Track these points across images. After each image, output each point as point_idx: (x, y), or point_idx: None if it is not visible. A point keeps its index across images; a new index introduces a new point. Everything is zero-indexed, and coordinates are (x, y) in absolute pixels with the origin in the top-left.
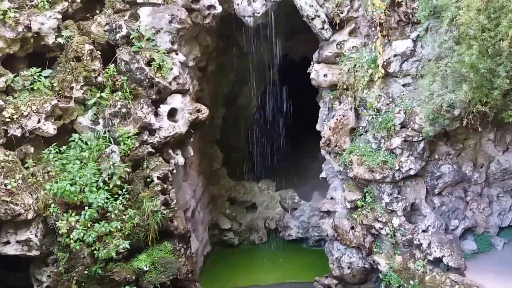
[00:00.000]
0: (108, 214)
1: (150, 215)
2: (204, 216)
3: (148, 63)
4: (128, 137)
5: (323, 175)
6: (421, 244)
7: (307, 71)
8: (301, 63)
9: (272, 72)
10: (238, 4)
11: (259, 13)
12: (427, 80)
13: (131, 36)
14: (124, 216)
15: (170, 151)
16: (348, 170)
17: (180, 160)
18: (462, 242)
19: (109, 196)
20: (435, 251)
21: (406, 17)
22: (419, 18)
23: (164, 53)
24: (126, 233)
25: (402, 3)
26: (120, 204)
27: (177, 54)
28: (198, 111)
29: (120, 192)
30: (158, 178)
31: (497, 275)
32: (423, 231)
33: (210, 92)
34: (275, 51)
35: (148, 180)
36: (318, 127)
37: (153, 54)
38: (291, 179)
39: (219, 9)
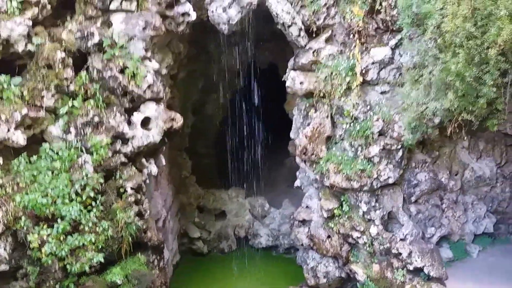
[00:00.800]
0: (81, 226)
1: (124, 227)
2: (174, 225)
3: (122, 71)
4: (101, 147)
5: (297, 183)
6: (400, 253)
7: (283, 79)
8: (268, 70)
9: (240, 79)
10: (212, 11)
11: (234, 20)
12: (408, 88)
13: (104, 44)
14: (97, 229)
15: (143, 160)
16: (324, 179)
17: (154, 169)
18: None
19: (82, 208)
20: (416, 261)
21: (384, 24)
22: (401, 26)
23: (138, 60)
24: (100, 245)
25: (381, 10)
26: (93, 216)
27: (150, 61)
28: (173, 119)
29: (93, 203)
30: (132, 188)
31: (474, 284)
32: (401, 239)
33: (180, 100)
34: (243, 58)
35: (121, 190)
36: (292, 135)
37: (126, 61)
38: (261, 186)
39: (193, 16)
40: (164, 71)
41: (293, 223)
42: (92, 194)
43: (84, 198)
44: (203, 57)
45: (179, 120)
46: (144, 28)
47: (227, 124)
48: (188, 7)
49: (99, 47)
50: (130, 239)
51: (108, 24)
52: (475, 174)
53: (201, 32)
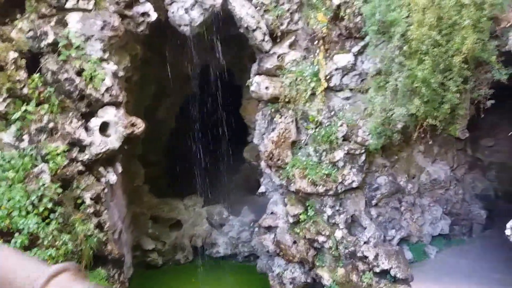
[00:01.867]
0: (40, 240)
1: (84, 240)
2: (128, 237)
3: (78, 73)
4: (57, 154)
5: (262, 189)
6: (366, 256)
7: (247, 84)
8: (223, 75)
9: (193, 84)
10: (173, 12)
11: (197, 22)
12: (373, 94)
13: (59, 44)
14: (57, 242)
15: (101, 168)
16: (290, 184)
17: (112, 178)
18: (390, 246)
19: (40, 221)
20: (382, 263)
21: (347, 31)
22: (367, 33)
23: (95, 62)
24: (60, 260)
25: (344, 17)
26: (52, 229)
27: (108, 63)
28: (133, 125)
29: (51, 215)
30: (91, 199)
31: (434, 284)
32: (365, 242)
33: (133, 105)
34: (198, 61)
35: (79, 201)
36: (255, 141)
37: (83, 63)
38: (219, 194)
39: (153, 16)
40: (121, 73)
41: (254, 230)
42: (50, 206)
43: (41, 210)
44: (157, 59)
45: (140, 126)
46: (102, 28)
47: (180, 130)
48: (148, 7)
49: (54, 47)
50: (90, 252)
51: (63, 23)
52: (430, 177)
53: (157, 33)
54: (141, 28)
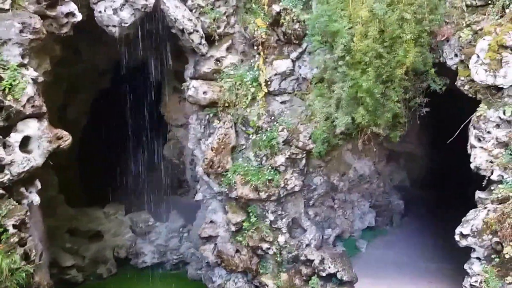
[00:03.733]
0: None
1: (9, 275)
2: (45, 255)
3: None
4: None
5: (199, 197)
6: (310, 260)
7: (182, 87)
8: (139, 70)
9: (107, 79)
10: (100, 12)
11: (127, 23)
12: (316, 102)
13: None
14: None
15: (23, 189)
16: (232, 191)
17: (35, 199)
18: (334, 248)
19: None
20: (329, 267)
21: (286, 37)
22: (306, 40)
23: (15, 69)
24: None
25: (284, 23)
26: None
27: (27, 69)
28: (59, 138)
29: None
30: (14, 226)
31: (367, 278)
32: (307, 245)
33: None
34: (112, 56)
35: (1, 230)
36: (190, 146)
37: (0, 71)
38: (142, 199)
39: (79, 16)
40: (40, 79)
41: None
42: None
43: None
44: (71, 57)
45: (67, 139)
46: (21, 31)
47: (92, 130)
48: (73, 7)
49: None
50: None
51: None
52: (357, 174)
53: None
54: (65, 29)
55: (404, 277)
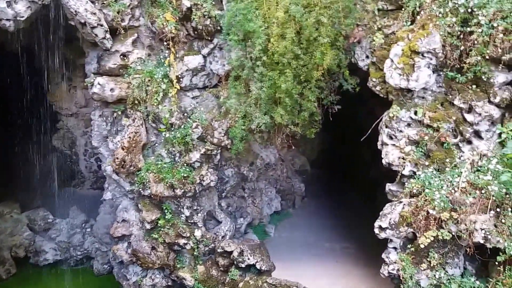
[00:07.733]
0: None
1: None
2: None
3: None
4: None
5: (108, 196)
6: (227, 251)
7: (86, 83)
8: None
9: None
10: None
11: (23, 16)
12: (232, 100)
13: None
14: None
15: None
16: (145, 189)
17: None
18: (245, 236)
19: None
20: (248, 259)
21: (196, 32)
22: (228, 40)
23: None
24: None
25: (195, 19)
26: None
27: None
28: None
29: None
30: None
31: (279, 261)
32: (222, 237)
33: None
34: None
35: None
36: (94, 143)
37: None
38: (38, 195)
39: None
40: None
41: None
42: None
43: None
44: None
45: None
46: None
47: None
48: None
49: None
50: None
51: None
52: (264, 162)
53: None
54: None
55: (313, 257)
